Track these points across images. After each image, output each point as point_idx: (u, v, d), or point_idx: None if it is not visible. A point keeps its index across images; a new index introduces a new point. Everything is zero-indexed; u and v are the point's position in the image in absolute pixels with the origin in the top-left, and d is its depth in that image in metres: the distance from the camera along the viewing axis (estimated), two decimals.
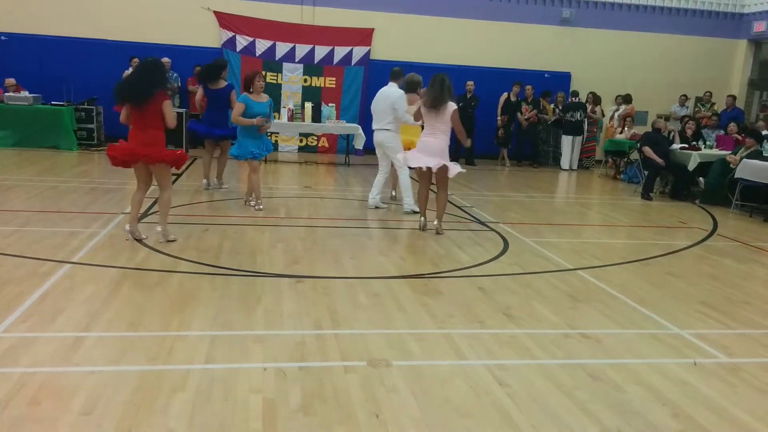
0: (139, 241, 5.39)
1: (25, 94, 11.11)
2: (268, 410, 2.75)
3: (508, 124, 13.09)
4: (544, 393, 3.08)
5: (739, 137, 10.24)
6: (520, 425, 2.76)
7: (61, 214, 6.28)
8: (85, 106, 11.69)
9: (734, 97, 13.17)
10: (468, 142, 7.53)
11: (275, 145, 7.78)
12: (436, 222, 6.44)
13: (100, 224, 5.92)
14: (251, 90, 6.95)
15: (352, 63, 13.08)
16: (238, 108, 6.88)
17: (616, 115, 13.25)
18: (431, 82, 6.37)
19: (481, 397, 2.99)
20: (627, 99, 13.22)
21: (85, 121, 11.70)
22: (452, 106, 6.31)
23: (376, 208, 7.57)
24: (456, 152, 13.23)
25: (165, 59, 10.96)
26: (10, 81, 11.31)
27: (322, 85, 12.99)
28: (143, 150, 5.21)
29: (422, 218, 6.55)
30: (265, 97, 7.08)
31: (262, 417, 2.69)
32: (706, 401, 3.09)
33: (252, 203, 7.17)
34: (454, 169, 6.30)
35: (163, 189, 5.51)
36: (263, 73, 10.72)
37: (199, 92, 8.19)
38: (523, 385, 3.15)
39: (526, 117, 13.06)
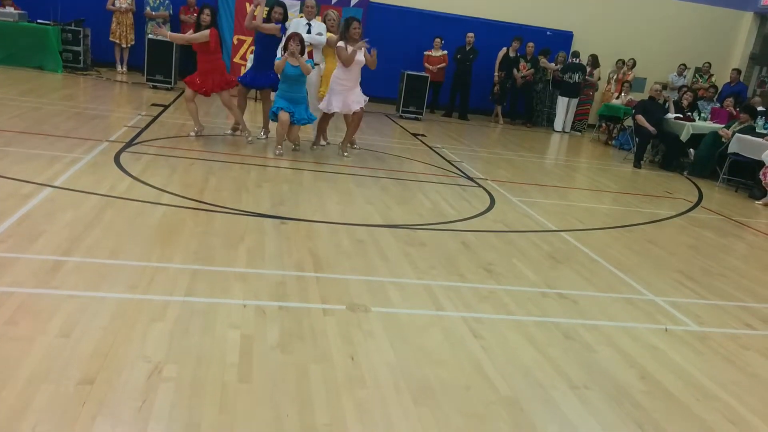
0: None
1: (10, 9, 10.72)
2: (246, 346, 2.77)
3: (505, 81, 12.94)
4: (517, 348, 3.14)
5: (734, 111, 10.23)
6: (491, 376, 2.82)
7: (44, 136, 6.16)
8: (72, 27, 11.33)
9: (739, 72, 13.07)
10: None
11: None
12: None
13: (84, 150, 5.83)
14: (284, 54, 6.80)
15: (351, 4, 12.76)
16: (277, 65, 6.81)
17: (614, 78, 13.15)
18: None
19: (455, 347, 3.04)
20: (631, 64, 13.09)
21: (72, 43, 11.36)
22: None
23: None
24: (450, 105, 13.15)
25: None
26: None
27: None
28: None
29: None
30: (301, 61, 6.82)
31: (239, 351, 2.72)
32: (674, 366, 3.17)
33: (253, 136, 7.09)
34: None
35: None
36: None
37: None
38: (497, 338, 3.20)
39: (522, 75, 12.91)
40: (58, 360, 2.47)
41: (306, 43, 7.01)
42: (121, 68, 12.09)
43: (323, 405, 2.42)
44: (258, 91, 8.17)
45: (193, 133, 7.23)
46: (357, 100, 7.20)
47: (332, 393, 2.51)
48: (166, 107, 8.97)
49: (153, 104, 9.08)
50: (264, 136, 7.41)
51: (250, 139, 7.39)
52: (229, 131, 7.73)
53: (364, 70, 7.22)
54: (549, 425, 2.50)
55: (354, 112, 7.20)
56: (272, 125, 7.46)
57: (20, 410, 2.14)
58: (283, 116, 6.74)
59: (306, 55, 6.95)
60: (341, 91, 7.10)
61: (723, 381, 3.08)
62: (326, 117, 7.55)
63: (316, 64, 7.54)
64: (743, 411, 2.82)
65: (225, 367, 2.59)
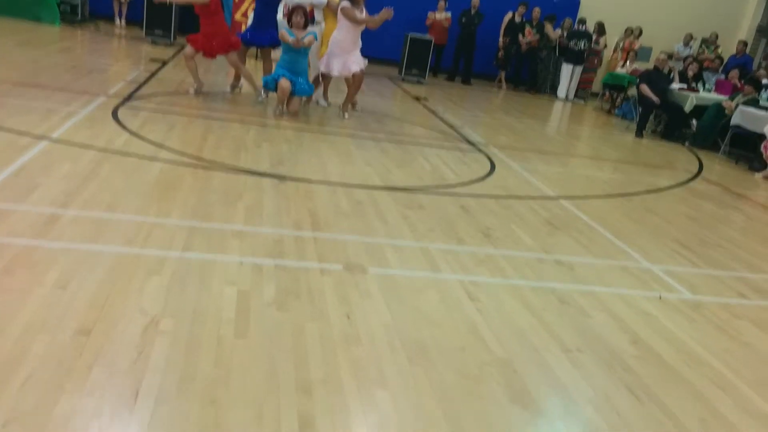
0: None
1: None
2: (242, 302, 2.78)
3: (509, 46, 12.77)
4: (512, 311, 3.16)
5: (738, 83, 10.13)
6: (486, 338, 2.84)
7: (41, 89, 6.08)
8: None
9: (745, 44, 12.89)
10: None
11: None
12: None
13: (81, 104, 5.76)
14: (291, 25, 6.66)
15: None
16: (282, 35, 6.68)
17: (620, 46, 12.98)
18: None
19: (451, 310, 3.06)
20: (637, 33, 12.90)
21: None
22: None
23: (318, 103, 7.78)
24: (454, 69, 12.99)
25: None
26: None
27: None
28: None
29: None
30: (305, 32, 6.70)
31: (236, 308, 2.73)
32: (666, 333, 3.19)
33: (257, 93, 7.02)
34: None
35: None
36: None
37: None
38: (493, 302, 3.22)
39: (527, 41, 12.73)
40: (54, 311, 2.48)
41: (306, 3, 6.89)
42: (120, 22, 11.89)
43: (318, 361, 2.44)
44: (258, 50, 8.05)
45: (192, 90, 7.14)
46: (356, 61, 7.10)
47: (328, 350, 2.53)
48: (165, 63, 8.85)
49: (152, 59, 8.95)
50: (263, 96, 7.33)
51: (261, 98, 7.30)
52: (228, 89, 7.65)
53: (366, 31, 7.11)
54: (541, 387, 2.53)
55: (354, 74, 7.11)
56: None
57: (17, 359, 2.16)
58: (284, 83, 6.65)
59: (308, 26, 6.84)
60: (340, 53, 6.99)
61: (714, 348, 3.11)
62: (327, 77, 7.46)
63: (317, 23, 7.42)
64: (733, 378, 2.85)
65: (221, 322, 2.60)
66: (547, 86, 13.29)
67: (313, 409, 2.16)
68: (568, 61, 12.56)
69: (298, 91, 6.77)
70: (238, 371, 2.30)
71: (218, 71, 8.91)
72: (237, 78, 7.64)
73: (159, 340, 2.40)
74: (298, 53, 6.64)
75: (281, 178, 4.64)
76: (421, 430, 2.14)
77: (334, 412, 2.17)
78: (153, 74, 7.93)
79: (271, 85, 6.77)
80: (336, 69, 7.07)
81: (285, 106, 6.77)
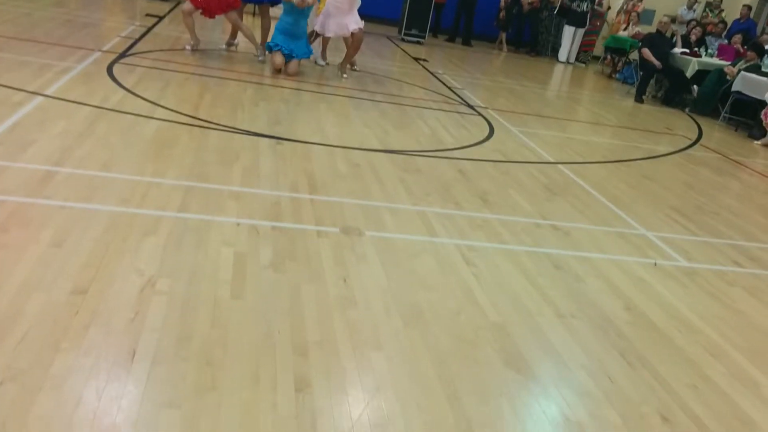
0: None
1: None
2: (239, 263, 2.79)
3: (511, 6, 12.55)
4: (507, 276, 3.17)
5: (741, 49, 10.00)
6: (481, 301, 2.85)
7: (35, 43, 5.97)
8: None
9: (750, 8, 12.68)
10: None
11: None
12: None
13: (76, 59, 5.66)
14: None
15: None
16: None
17: (623, 9, 12.75)
18: None
19: (446, 274, 3.07)
20: None
21: None
22: None
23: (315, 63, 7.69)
24: (454, 30, 12.78)
25: None
26: None
27: None
28: None
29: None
30: None
31: (233, 269, 2.73)
32: (659, 299, 3.22)
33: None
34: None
35: None
36: None
37: None
38: (488, 266, 3.23)
39: (529, 1, 12.50)
40: (50, 269, 2.48)
41: None
42: None
43: (314, 323, 2.45)
44: (256, 5, 7.89)
45: (188, 47, 7.02)
46: (354, 20, 6.97)
47: (324, 312, 2.54)
48: (160, 18, 8.69)
49: (147, 14, 8.78)
50: (263, 56, 7.21)
51: (261, 58, 7.18)
52: (224, 46, 7.52)
53: None
54: (535, 351, 2.55)
55: (353, 34, 6.99)
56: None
57: (12, 317, 2.16)
58: (277, 59, 6.57)
59: None
60: (336, 14, 6.86)
61: (707, 315, 3.14)
62: (325, 37, 7.34)
63: None
64: (724, 345, 2.88)
65: (218, 283, 2.60)
66: (549, 49, 13.11)
67: (309, 370, 2.18)
68: (570, 23, 12.36)
69: (297, 54, 6.67)
70: (234, 332, 2.31)
71: (214, 28, 8.75)
72: (233, 35, 7.51)
73: (155, 300, 2.41)
74: (300, 15, 6.51)
75: (278, 138, 4.60)
76: (415, 393, 2.17)
77: (330, 373, 2.19)
78: (149, 30, 7.78)
79: (269, 49, 6.70)
80: (331, 30, 6.95)
81: (283, 69, 6.69)
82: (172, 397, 1.93)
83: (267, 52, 6.96)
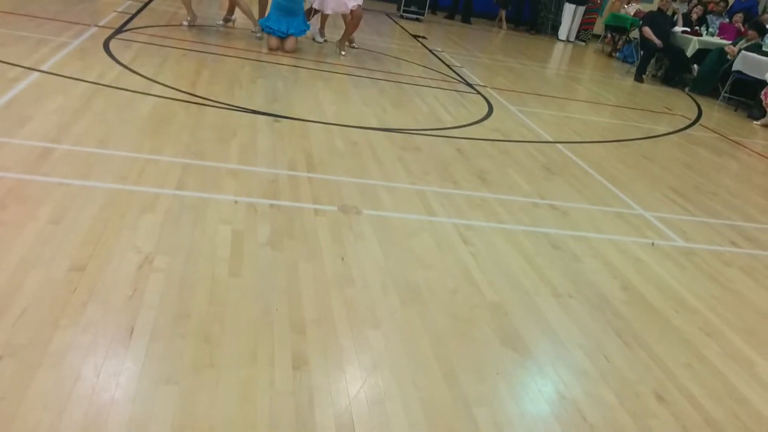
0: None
1: None
2: (236, 241, 2.78)
3: None
4: (505, 255, 3.18)
5: (742, 28, 9.92)
6: (478, 281, 2.86)
7: (31, 18, 5.90)
8: None
9: None
10: None
11: None
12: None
13: (72, 34, 5.60)
14: None
15: None
16: None
17: None
18: None
19: (444, 252, 3.07)
20: None
21: None
22: None
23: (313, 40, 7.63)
24: (453, 7, 12.65)
25: None
26: None
27: None
28: None
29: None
30: None
31: (230, 246, 2.73)
32: (656, 279, 3.23)
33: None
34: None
35: None
36: None
37: None
38: (486, 245, 3.23)
39: None
40: (48, 246, 2.47)
41: None
42: None
43: (312, 301, 2.46)
44: None
45: (185, 23, 6.94)
46: None
47: (321, 290, 2.55)
48: None
49: None
50: (260, 34, 7.13)
51: (259, 35, 7.10)
52: (221, 22, 7.44)
53: None
54: (531, 330, 2.57)
55: (352, 11, 6.91)
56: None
57: (10, 293, 2.16)
58: (272, 42, 6.53)
59: None
60: None
61: (703, 295, 3.16)
62: (324, 14, 7.26)
63: None
64: (720, 324, 2.90)
65: (215, 260, 2.61)
66: (548, 27, 13.00)
67: (307, 347, 2.19)
68: (570, 1, 12.23)
69: (295, 31, 6.61)
70: (232, 310, 2.32)
71: (211, 3, 8.66)
72: (230, 11, 7.43)
73: (153, 277, 2.41)
74: None
75: (276, 116, 4.57)
76: (412, 371, 2.19)
77: (327, 351, 2.20)
78: (145, 5, 7.70)
79: (267, 30, 6.65)
80: (330, 6, 6.87)
81: (281, 46, 6.63)
82: (170, 374, 1.94)
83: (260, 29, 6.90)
